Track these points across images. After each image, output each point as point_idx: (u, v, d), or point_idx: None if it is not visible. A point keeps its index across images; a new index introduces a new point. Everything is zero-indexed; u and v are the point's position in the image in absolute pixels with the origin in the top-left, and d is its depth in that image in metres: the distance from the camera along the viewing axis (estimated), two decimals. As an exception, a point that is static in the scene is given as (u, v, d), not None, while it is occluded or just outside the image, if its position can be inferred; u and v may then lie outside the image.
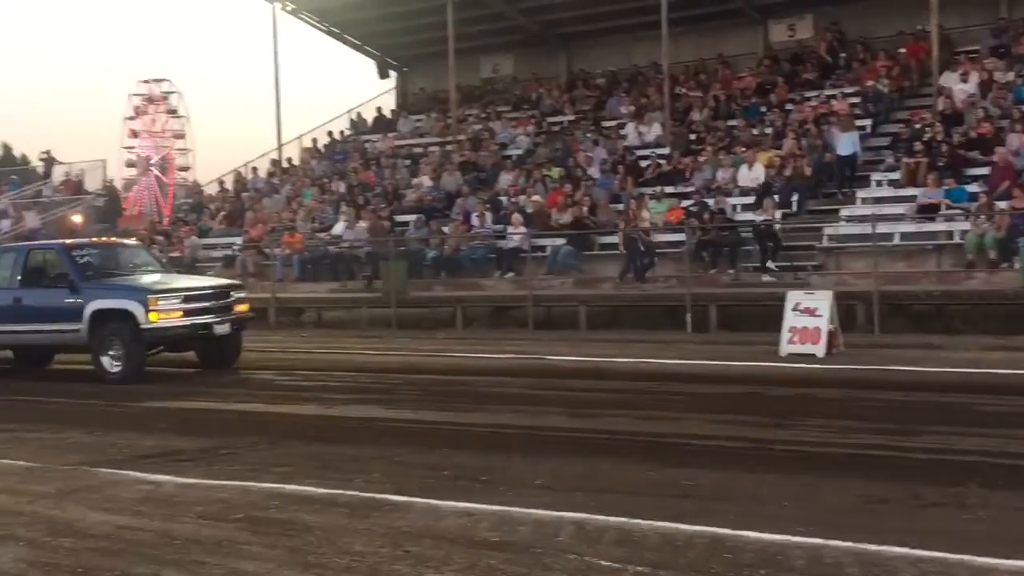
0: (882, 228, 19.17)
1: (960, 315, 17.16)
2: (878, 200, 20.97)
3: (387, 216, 25.83)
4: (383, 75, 36.55)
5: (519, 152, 28.07)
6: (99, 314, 14.88)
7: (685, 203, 22.20)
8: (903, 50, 25.21)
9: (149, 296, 14.70)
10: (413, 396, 13.02)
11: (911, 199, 20.05)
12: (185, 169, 36.46)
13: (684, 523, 6.42)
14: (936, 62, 23.09)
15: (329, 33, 35.40)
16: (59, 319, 15.20)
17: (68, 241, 17.58)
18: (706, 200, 21.70)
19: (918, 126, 22.20)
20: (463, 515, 6.83)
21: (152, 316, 14.56)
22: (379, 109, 35.46)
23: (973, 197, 19.32)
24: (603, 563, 5.74)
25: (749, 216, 21.45)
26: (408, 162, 29.70)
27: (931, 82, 23.38)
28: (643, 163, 24.91)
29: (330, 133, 34.54)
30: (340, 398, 12.95)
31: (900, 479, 7.50)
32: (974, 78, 22.85)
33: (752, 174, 22.52)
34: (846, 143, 22.45)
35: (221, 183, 33.98)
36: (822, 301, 15.13)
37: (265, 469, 8.53)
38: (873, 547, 5.82)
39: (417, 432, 10.36)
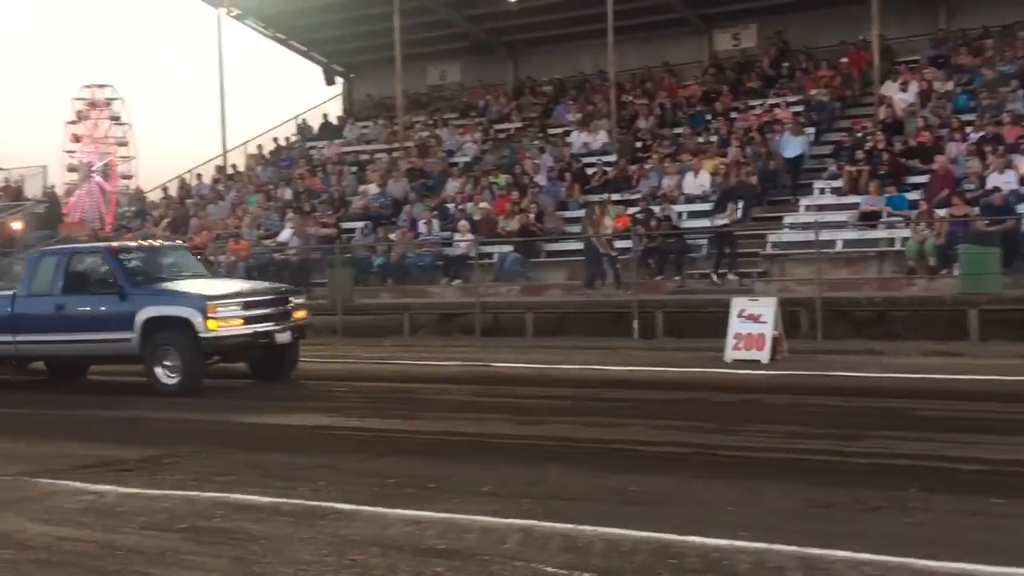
0: (825, 235, 19.39)
1: (901, 321, 17.41)
2: (821, 207, 21.22)
3: (333, 223, 25.71)
4: (329, 81, 36.40)
5: (466, 159, 28.08)
6: (152, 322, 13.85)
7: (632, 210, 22.32)
8: (845, 60, 25.56)
9: (208, 302, 13.65)
10: (359, 403, 12.95)
11: (853, 207, 20.31)
12: (128, 177, 36.00)
13: (630, 529, 6.44)
14: (877, 72, 23.43)
15: (275, 39, 35.20)
16: (107, 327, 14.13)
17: (114, 244, 16.58)
18: (652, 207, 21.82)
19: (860, 135, 22.51)
20: (409, 523, 6.81)
21: (211, 324, 13.56)
22: (325, 116, 35.30)
23: (913, 205, 19.60)
24: (549, 570, 5.75)
25: (695, 223, 21.61)
26: (355, 169, 29.58)
27: (872, 91, 23.72)
28: (590, 170, 25.01)
29: (276, 140, 34.33)
30: (285, 406, 12.85)
31: (843, 483, 7.58)
32: (914, 88, 23.21)
33: (697, 181, 22.70)
34: (794, 146, 22.75)
35: (165, 189, 33.62)
36: (766, 308, 15.27)
37: (208, 478, 8.44)
38: (816, 551, 5.89)
39: (363, 440, 10.31)
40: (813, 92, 24.68)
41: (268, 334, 14.19)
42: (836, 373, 13.56)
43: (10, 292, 15.34)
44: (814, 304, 17.51)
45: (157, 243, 17.73)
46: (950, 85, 23.03)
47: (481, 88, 32.09)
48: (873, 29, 22.97)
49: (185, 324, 13.62)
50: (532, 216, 23.03)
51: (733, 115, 25.27)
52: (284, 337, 14.40)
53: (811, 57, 26.51)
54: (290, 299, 14.92)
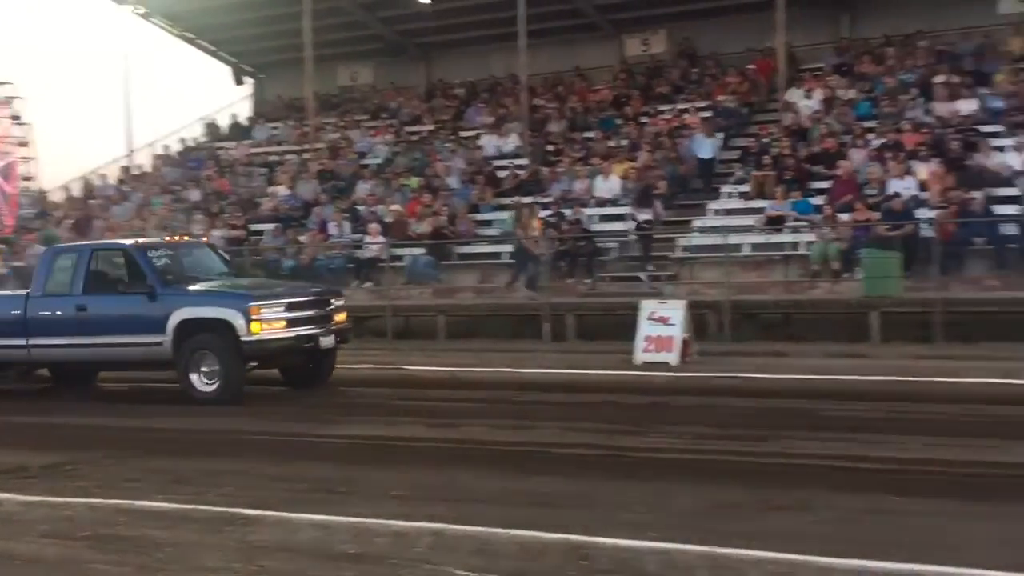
0: (733, 239, 19.69)
1: (806, 323, 17.75)
2: (729, 212, 21.54)
3: (242, 225, 25.37)
4: (238, 81, 35.93)
5: (377, 161, 27.91)
6: (187, 324, 12.86)
7: (543, 214, 22.41)
8: (752, 67, 25.99)
9: (251, 304, 12.70)
10: (269, 407, 12.81)
11: (760, 211, 20.65)
12: (28, 179, 35.08)
13: (540, 531, 6.48)
14: (783, 79, 23.87)
15: (182, 38, 34.62)
16: (135, 330, 13.09)
17: (140, 240, 15.36)
18: (563, 211, 21.95)
19: (766, 140, 22.90)
20: (319, 528, 6.77)
21: (254, 327, 12.58)
22: (234, 116, 34.82)
23: (817, 209, 20.01)
24: (460, 572, 5.76)
25: (606, 227, 21.80)
26: (264, 170, 29.24)
27: (778, 98, 24.16)
28: (501, 173, 25.07)
29: (183, 140, 33.78)
30: (194, 410, 12.64)
31: (749, 484, 7.72)
32: (818, 95, 23.67)
33: (608, 185, 22.88)
34: (707, 147, 23.14)
35: (67, 190, 32.86)
36: (675, 310, 15.45)
37: (114, 485, 8.29)
38: (723, 550, 5.99)
39: (273, 444, 10.21)
40: (721, 98, 25.04)
41: (312, 338, 13.23)
42: (743, 375, 13.77)
43: (22, 293, 14.32)
44: (722, 307, 17.77)
45: (183, 239, 16.73)
46: (853, 93, 23.53)
47: (393, 90, 31.95)
48: (779, 37, 23.38)
49: (226, 327, 12.66)
50: (444, 219, 23.00)
51: (643, 120, 25.52)
52: (328, 341, 13.48)
53: (719, 63, 26.90)
54: (331, 301, 13.99)
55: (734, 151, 23.79)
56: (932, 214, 18.70)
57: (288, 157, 29.64)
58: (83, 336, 13.49)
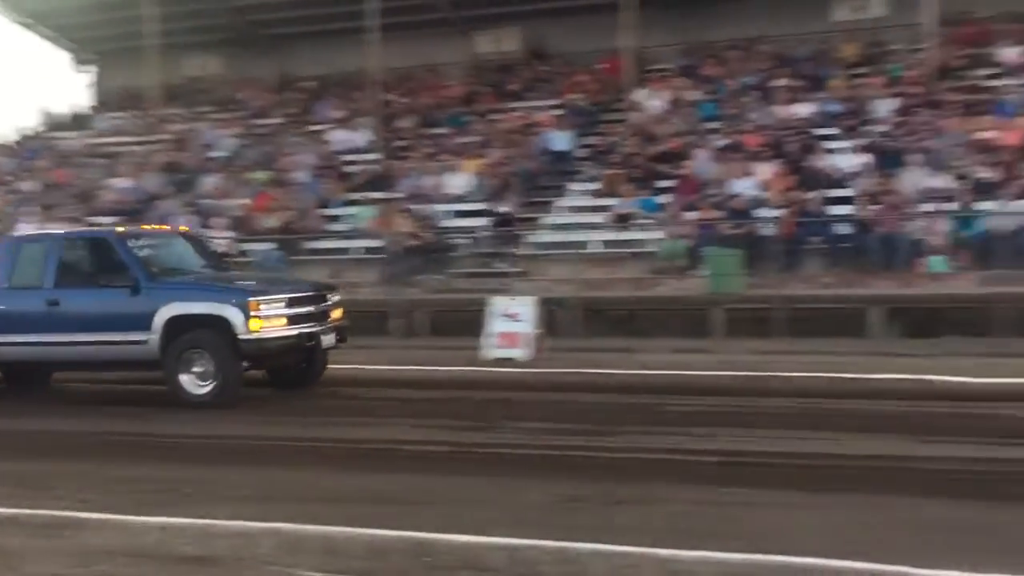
0: (582, 236, 19.99)
1: (653, 319, 18.11)
2: (578, 209, 21.85)
3: (80, 218, 24.52)
4: (79, 70, 34.71)
5: (225, 154, 27.35)
6: (177, 321, 11.82)
7: (376, 210, 22.32)
8: (601, 66, 26.39)
9: (251, 299, 11.74)
10: (112, 405, 12.43)
11: (609, 208, 21.01)
12: None
13: (387, 529, 6.45)
14: (631, 79, 24.33)
15: (20, 23, 33.24)
16: (115, 327, 11.97)
17: (120, 228, 14.30)
18: (413, 207, 21.90)
19: (614, 139, 23.31)
20: (161, 530, 6.59)
21: (253, 324, 11.61)
22: (75, 105, 33.64)
23: (663, 207, 20.47)
24: (305, 572, 5.70)
25: (457, 223, 21.86)
26: (105, 161, 28.32)
27: (626, 98, 24.61)
28: (351, 168, 24.86)
29: (20, 129, 32.46)
30: (35, 410, 12.17)
31: (596, 478, 7.84)
32: (664, 95, 24.22)
33: (458, 181, 22.95)
34: (561, 140, 23.44)
35: None
36: (525, 306, 15.57)
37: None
38: (568, 544, 6.06)
39: (118, 444, 9.92)
40: (571, 96, 25.37)
41: (314, 336, 12.32)
42: (592, 370, 13.96)
43: None
44: (571, 303, 18.00)
45: (166, 228, 15.48)
46: (698, 94, 24.15)
47: (241, 82, 31.32)
48: (627, 38, 23.82)
49: (222, 324, 11.68)
50: (293, 213, 22.69)
51: (494, 117, 25.67)
52: (329, 340, 12.62)
53: (569, 62, 27.24)
54: (328, 296, 13.02)
55: (584, 149, 24.14)
56: (772, 213, 19.35)
57: (131, 148, 28.77)
58: (55, 333, 12.33)
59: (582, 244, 20.01)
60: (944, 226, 18.05)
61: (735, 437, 9.40)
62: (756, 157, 20.83)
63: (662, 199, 20.79)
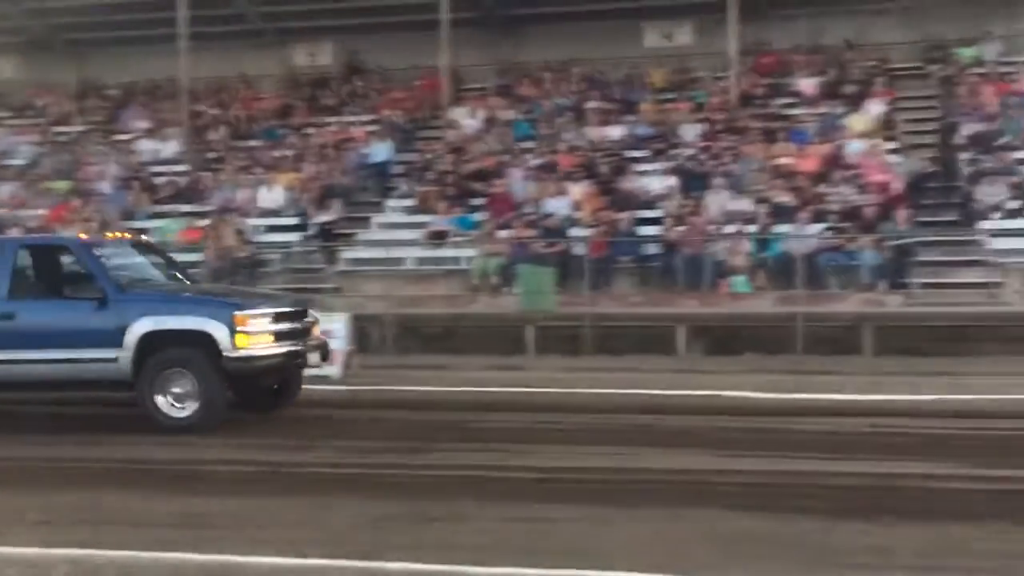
0: (396, 253, 19.92)
1: (467, 336, 18.18)
2: (393, 225, 21.77)
3: None
4: None
5: (22, 162, 26.09)
6: (153, 337, 10.71)
7: (202, 223, 21.76)
8: (418, 83, 26.41)
9: (236, 313, 10.73)
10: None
11: (423, 225, 21.01)
12: None
13: (192, 553, 6.24)
14: (447, 97, 24.45)
15: None
16: (79, 344, 10.78)
17: (83, 235, 13.07)
18: (225, 220, 21.39)
19: (430, 156, 23.37)
20: (-58, 561, 6.19)
21: (240, 340, 10.60)
22: None
23: (478, 225, 20.61)
24: (102, 602, 5.45)
25: (270, 238, 21.47)
26: None
27: (442, 115, 24.71)
28: (159, 180, 24.11)
29: None
30: None
31: (408, 496, 7.80)
32: (480, 114, 24.42)
33: (272, 196, 22.56)
34: (377, 157, 23.43)
35: None
36: (338, 323, 15.39)
37: None
38: (377, 564, 6.00)
39: None
40: (387, 112, 25.29)
41: (300, 354, 11.37)
42: (405, 388, 13.92)
43: None
44: (386, 320, 17.91)
45: (128, 236, 13.86)
46: (513, 114, 24.45)
47: (40, 87, 29.94)
48: (443, 56, 23.95)
49: (204, 340, 10.66)
50: (95, 225, 21.82)
51: (309, 131, 25.35)
52: (315, 358, 11.74)
53: (386, 78, 27.16)
54: (308, 313, 12.13)
55: (400, 166, 24.10)
56: (584, 233, 19.74)
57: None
58: (9, 350, 10.94)
59: (397, 261, 19.94)
60: (746, 247, 18.77)
61: (547, 454, 9.50)
62: (569, 177, 21.22)
63: (477, 217, 20.93)
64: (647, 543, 6.55)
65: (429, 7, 23.99)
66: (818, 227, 18.78)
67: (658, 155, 21.91)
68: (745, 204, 19.72)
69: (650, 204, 20.42)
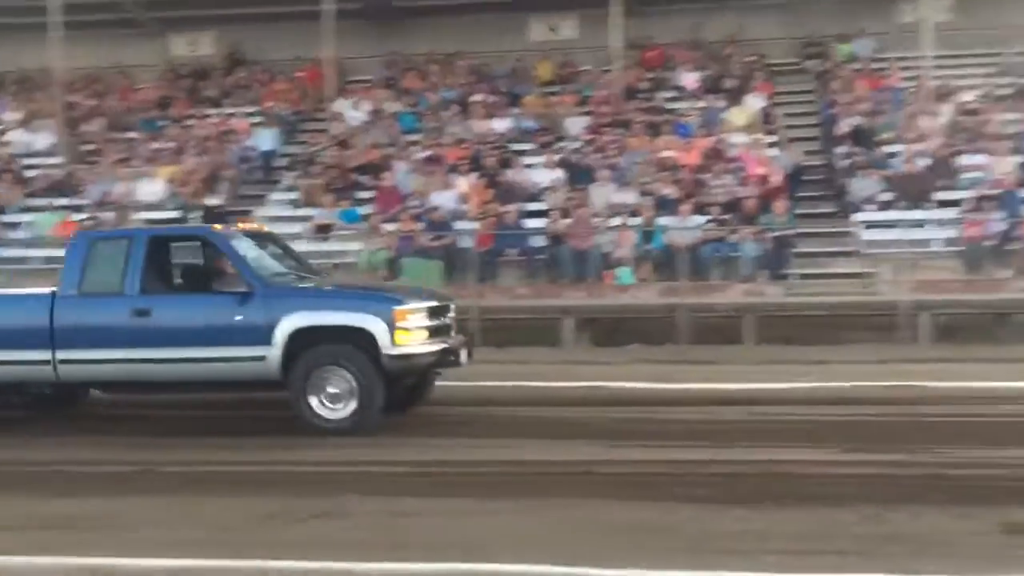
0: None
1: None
2: (278, 219, 21.42)
3: None
4: None
5: None
6: (304, 334, 10.03)
7: (78, 216, 21.14)
8: (301, 74, 26.07)
9: (397, 308, 10.07)
10: None
11: (308, 219, 20.75)
12: None
13: (63, 556, 6.08)
14: (331, 89, 24.20)
15: None
16: (223, 341, 10.12)
17: (218, 226, 12.24)
18: (98, 214, 20.81)
19: (315, 149, 23.10)
20: None
21: (400, 337, 9.94)
22: None
23: (364, 218, 20.44)
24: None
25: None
26: None
27: (326, 107, 24.45)
28: (31, 172, 23.37)
29: None
30: None
31: (290, 493, 7.69)
32: (365, 106, 24.21)
33: (152, 188, 22.02)
34: (267, 139, 23.22)
35: None
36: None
37: None
38: (258, 563, 5.91)
39: None
40: (270, 104, 24.92)
41: (454, 351, 10.65)
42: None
43: (47, 291, 10.80)
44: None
45: (256, 226, 12.91)
46: (399, 106, 24.31)
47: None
48: (327, 47, 23.69)
49: (363, 337, 9.98)
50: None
51: (190, 122, 24.83)
52: (465, 356, 10.87)
53: (268, 69, 26.75)
54: (451, 308, 11.28)
55: (284, 158, 23.78)
56: (470, 226, 19.72)
57: None
58: (144, 348, 10.31)
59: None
60: (630, 239, 18.97)
61: (429, 447, 9.47)
62: (455, 170, 21.18)
63: (363, 210, 20.75)
64: (530, 535, 6.57)
65: (312, -2, 23.72)
66: (700, 219, 19.05)
67: (544, 148, 21.99)
68: (630, 196, 19.92)
69: (536, 197, 20.50)
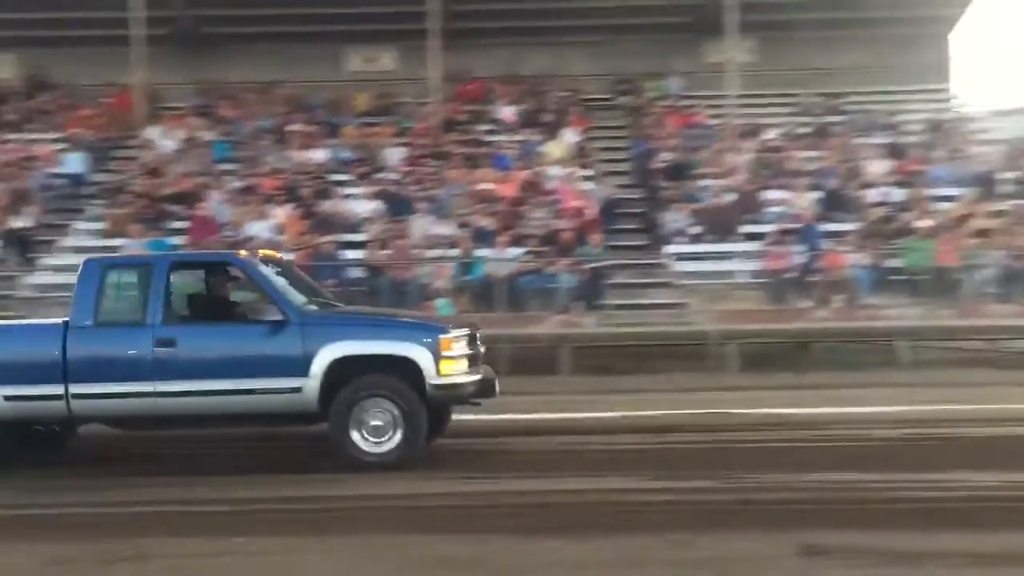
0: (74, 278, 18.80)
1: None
2: (83, 249, 20.56)
3: None
4: None
5: None
6: (344, 364, 9.46)
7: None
8: (110, 101, 25.23)
9: (442, 337, 9.62)
10: None
11: (115, 249, 20.01)
12: None
13: None
14: (142, 116, 23.51)
15: None
16: (256, 372, 9.49)
17: (243, 252, 11.35)
18: None
19: (124, 177, 22.37)
20: None
21: (445, 367, 9.53)
22: None
23: (174, 249, 19.84)
24: None
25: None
26: None
27: (137, 135, 23.73)
28: None
29: None
30: None
31: (89, 537, 7.40)
32: (178, 134, 23.59)
33: (-55, 216, 20.90)
34: (75, 162, 22.51)
35: None
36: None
37: None
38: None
39: None
40: (75, 131, 24.01)
41: (492, 381, 10.21)
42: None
43: (58, 322, 10.08)
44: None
45: (273, 253, 11.82)
46: (213, 134, 23.79)
47: None
48: (137, 73, 23.02)
49: (407, 366, 9.54)
50: None
51: (-12, 147, 23.70)
52: (497, 386, 10.38)
53: (74, 95, 25.77)
54: (478, 337, 10.63)
55: (91, 187, 22.94)
56: (287, 256, 19.37)
57: None
58: (169, 381, 9.62)
59: (69, 287, 18.84)
60: (449, 271, 19.02)
61: (230, 484, 9.23)
62: (271, 200, 20.83)
63: (174, 240, 20.16)
64: (354, 571, 6.47)
65: (120, 22, 23.05)
66: (518, 251, 19.25)
67: (362, 179, 21.90)
68: (448, 228, 20.00)
69: (354, 227, 20.36)
